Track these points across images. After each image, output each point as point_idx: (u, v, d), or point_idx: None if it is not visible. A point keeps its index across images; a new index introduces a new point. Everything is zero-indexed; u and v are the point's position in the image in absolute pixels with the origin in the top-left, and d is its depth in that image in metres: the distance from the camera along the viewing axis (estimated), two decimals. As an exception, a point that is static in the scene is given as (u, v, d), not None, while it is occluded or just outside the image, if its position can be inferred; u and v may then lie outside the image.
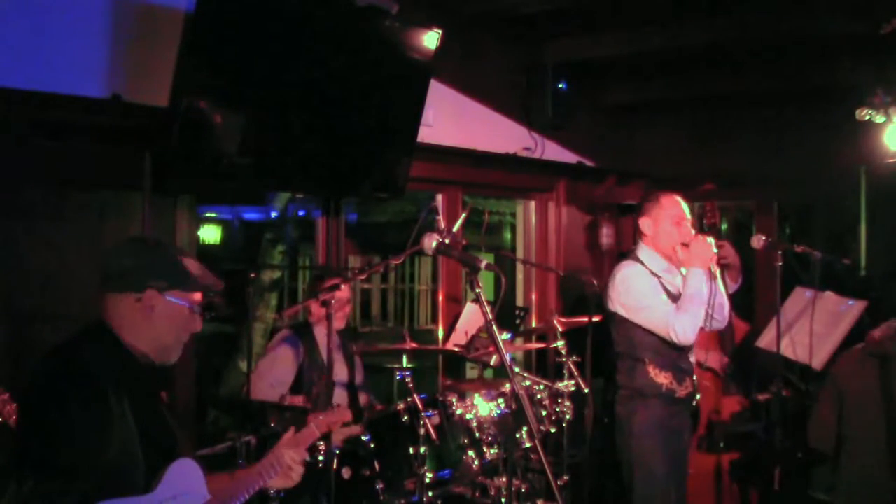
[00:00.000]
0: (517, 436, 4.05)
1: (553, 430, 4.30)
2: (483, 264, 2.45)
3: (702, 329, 3.95)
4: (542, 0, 5.00)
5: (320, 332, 4.24)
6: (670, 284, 4.01)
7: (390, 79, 4.41)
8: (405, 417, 3.82)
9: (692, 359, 4.08)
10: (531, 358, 6.05)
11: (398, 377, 4.04)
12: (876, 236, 5.77)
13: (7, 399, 2.71)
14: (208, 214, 11.41)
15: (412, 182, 4.77)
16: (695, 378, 4.09)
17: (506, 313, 5.41)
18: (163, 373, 2.44)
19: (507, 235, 10.32)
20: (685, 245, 3.94)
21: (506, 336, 4.45)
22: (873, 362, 3.74)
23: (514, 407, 3.94)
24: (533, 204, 6.26)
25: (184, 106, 3.61)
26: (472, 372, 5.75)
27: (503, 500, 3.92)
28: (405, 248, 3.45)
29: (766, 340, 4.72)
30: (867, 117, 4.60)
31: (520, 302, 6.19)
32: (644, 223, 4.05)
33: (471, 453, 4.00)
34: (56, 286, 3.59)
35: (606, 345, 4.20)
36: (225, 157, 3.86)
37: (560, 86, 5.84)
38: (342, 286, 3.75)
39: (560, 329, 4.46)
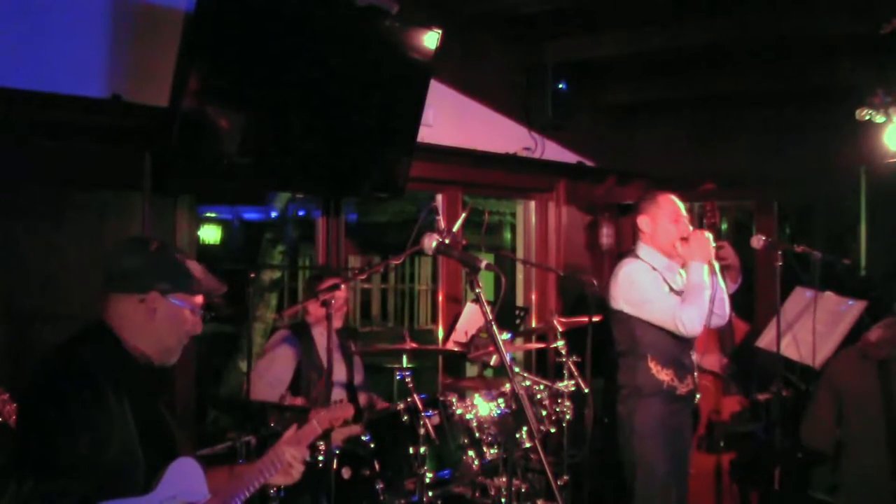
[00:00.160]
0: (517, 436, 4.04)
1: (553, 430, 4.30)
2: (483, 264, 2.45)
3: (704, 336, 3.97)
4: (542, 0, 5.00)
5: (318, 332, 4.24)
6: (671, 281, 4.03)
7: (390, 79, 4.41)
8: (405, 417, 3.82)
9: (693, 356, 4.10)
10: (531, 358, 6.05)
11: (398, 377, 4.04)
12: (876, 236, 5.76)
13: (7, 399, 2.71)
14: (208, 214, 11.41)
15: (412, 182, 4.77)
16: (696, 375, 4.10)
17: (506, 313, 5.41)
18: (163, 373, 2.44)
19: (507, 235, 10.32)
20: (685, 240, 4.01)
21: (506, 336, 4.45)
22: (871, 363, 3.74)
23: (514, 407, 3.94)
24: (533, 204, 6.26)
25: (183, 106, 3.61)
26: (471, 371, 5.75)
27: (503, 500, 3.92)
28: (405, 248, 3.45)
29: (766, 340, 4.72)
30: (867, 117, 4.60)
31: (520, 302, 6.19)
32: (642, 221, 4.10)
33: (471, 453, 4.00)
34: (56, 286, 3.59)
35: (606, 345, 4.21)
36: (225, 157, 3.86)
37: (560, 86, 5.83)
38: (341, 286, 3.75)
39: (560, 329, 4.46)
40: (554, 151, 6.14)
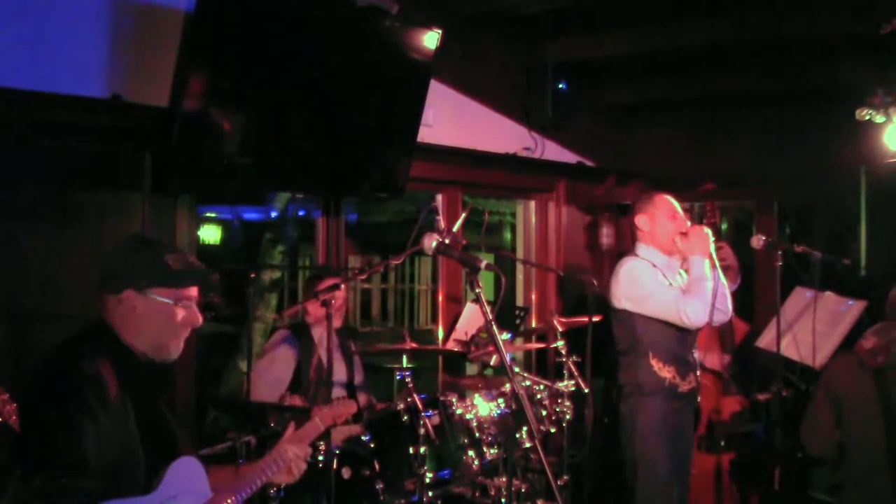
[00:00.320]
0: (517, 436, 4.05)
1: (553, 430, 4.30)
2: (483, 264, 2.45)
3: (705, 332, 3.98)
4: (542, 0, 5.00)
5: (318, 332, 4.24)
6: (671, 278, 4.05)
7: (390, 79, 4.41)
8: (405, 417, 3.82)
9: (696, 354, 4.10)
10: (531, 358, 6.05)
11: (398, 377, 4.04)
12: (876, 236, 5.77)
13: (7, 399, 2.71)
14: (208, 214, 11.41)
15: (412, 182, 4.77)
16: (698, 373, 4.10)
17: (506, 313, 5.42)
18: (164, 372, 2.44)
19: (507, 235, 10.32)
20: (684, 234, 4.03)
21: (506, 336, 4.45)
22: (868, 370, 3.72)
23: (514, 407, 3.94)
24: (533, 204, 6.26)
25: (184, 106, 3.61)
26: (471, 371, 5.75)
27: (503, 500, 3.92)
28: (405, 248, 3.45)
29: (766, 340, 4.72)
30: (867, 117, 4.60)
31: (520, 302, 6.19)
32: (640, 220, 4.12)
33: (471, 453, 4.00)
34: (56, 286, 3.59)
35: (606, 345, 4.21)
36: (225, 157, 3.86)
37: (560, 86, 5.84)
38: (341, 286, 3.75)
39: (560, 329, 4.46)
40: (554, 151, 6.14)
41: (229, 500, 2.42)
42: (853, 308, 4.50)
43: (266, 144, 4.02)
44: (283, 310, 8.71)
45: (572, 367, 4.40)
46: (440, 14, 4.87)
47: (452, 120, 5.36)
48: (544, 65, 5.80)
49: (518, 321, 5.49)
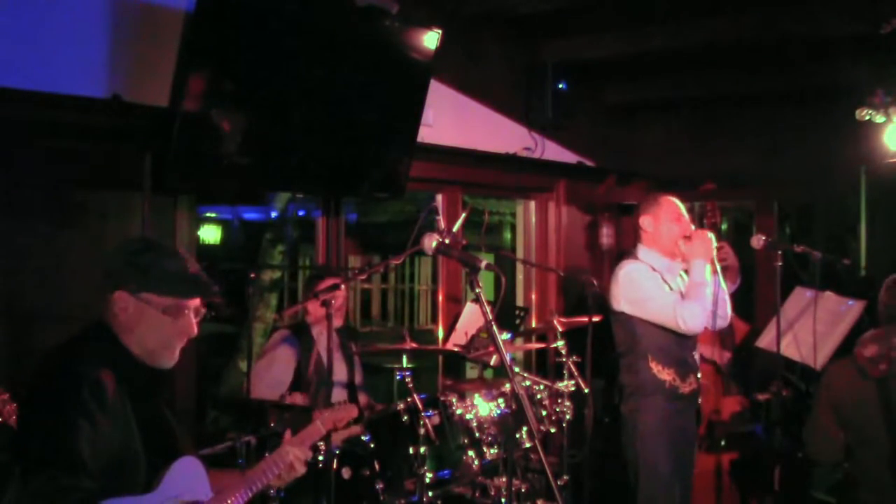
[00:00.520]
0: (517, 436, 4.04)
1: (553, 430, 4.30)
2: (483, 264, 2.45)
3: (705, 329, 3.97)
4: (542, 0, 5.00)
5: (318, 332, 4.24)
6: (671, 282, 4.03)
7: (390, 79, 4.41)
8: (405, 417, 3.82)
9: (696, 355, 4.10)
10: (531, 358, 6.05)
11: (398, 377, 4.04)
12: (876, 236, 5.77)
13: (7, 399, 2.71)
14: (208, 214, 11.42)
15: (412, 182, 4.77)
16: (699, 375, 4.10)
17: (506, 313, 5.41)
18: (163, 372, 2.43)
19: (507, 235, 10.32)
20: (687, 238, 4.00)
21: (506, 336, 4.45)
22: (870, 380, 3.69)
23: (514, 407, 3.94)
24: (533, 204, 6.26)
25: (184, 106, 3.61)
26: (472, 372, 5.75)
27: (503, 500, 3.92)
28: (405, 248, 3.45)
29: (766, 340, 4.72)
30: (867, 117, 4.60)
31: (520, 302, 6.19)
32: (644, 221, 4.09)
33: (471, 453, 4.00)
34: (56, 286, 3.59)
35: (607, 345, 4.21)
36: (225, 157, 3.86)
37: (560, 86, 5.84)
38: (341, 286, 3.75)
39: (560, 329, 4.46)
40: (554, 151, 6.14)
41: (230, 501, 2.42)
42: (853, 308, 4.50)
43: (266, 144, 4.02)
44: (283, 310, 8.71)
45: (572, 367, 4.39)
46: (440, 14, 4.87)
47: (452, 120, 5.36)
48: (544, 65, 5.81)
49: (518, 321, 5.49)
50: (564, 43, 5.74)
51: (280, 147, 4.08)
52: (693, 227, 4.11)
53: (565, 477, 4.33)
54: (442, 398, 4.06)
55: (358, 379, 4.46)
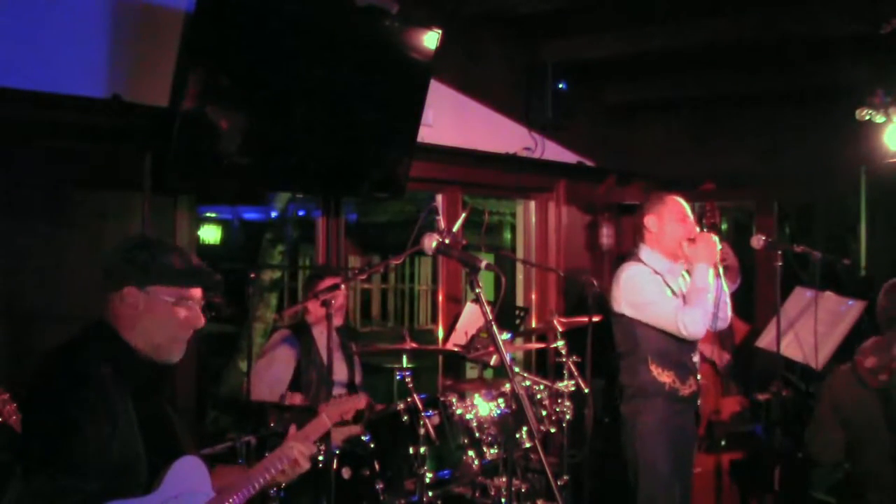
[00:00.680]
0: (517, 436, 4.04)
1: (553, 430, 4.30)
2: (483, 264, 2.45)
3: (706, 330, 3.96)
4: (542, 0, 5.00)
5: (318, 332, 4.24)
6: (673, 284, 4.01)
7: (390, 79, 4.41)
8: (405, 417, 3.82)
9: (695, 358, 4.08)
10: (531, 358, 6.05)
11: (398, 377, 4.04)
12: (876, 236, 5.77)
13: (7, 399, 2.71)
14: (208, 214, 11.43)
15: (412, 182, 4.77)
16: (699, 377, 4.09)
17: (506, 313, 5.42)
18: (165, 371, 2.44)
19: (507, 235, 10.32)
20: (691, 241, 3.97)
21: (506, 336, 4.45)
22: (871, 390, 3.69)
23: (514, 407, 3.94)
24: (533, 204, 6.26)
25: (184, 106, 3.61)
26: (472, 372, 5.76)
27: (503, 500, 3.92)
28: (405, 248, 3.45)
29: (766, 340, 4.72)
30: (867, 117, 4.60)
31: (520, 302, 6.19)
32: (649, 221, 4.05)
33: (471, 453, 4.00)
34: (56, 286, 3.59)
35: (607, 345, 4.20)
36: (225, 157, 3.86)
37: (560, 86, 5.84)
38: (341, 286, 3.75)
39: (560, 329, 4.46)
40: (554, 151, 6.14)
41: (231, 500, 2.42)
42: (853, 308, 4.50)
43: (266, 144, 4.02)
44: (283, 310, 8.72)
45: (572, 367, 4.39)
46: (440, 14, 4.87)
47: (452, 120, 5.36)
48: (544, 65, 5.81)
49: (518, 321, 5.49)
50: (564, 43, 5.74)
51: (280, 147, 4.08)
52: (698, 228, 4.08)
53: (565, 477, 4.33)
54: (442, 398, 4.06)
55: (358, 379, 4.47)
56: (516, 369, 4.69)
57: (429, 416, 3.82)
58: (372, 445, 3.71)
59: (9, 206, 3.48)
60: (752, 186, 6.17)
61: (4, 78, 3.41)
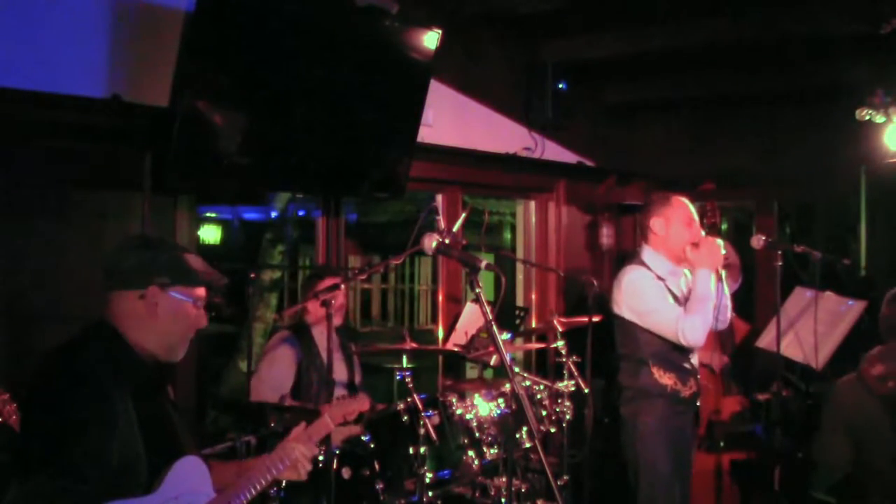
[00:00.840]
0: (517, 436, 4.04)
1: (553, 430, 4.30)
2: (483, 264, 2.44)
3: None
4: (542, 0, 5.00)
5: (318, 332, 4.24)
6: (675, 287, 4.00)
7: (390, 79, 4.41)
8: (405, 417, 3.81)
9: (695, 360, 4.08)
10: (531, 358, 6.05)
11: (398, 377, 4.04)
12: (876, 236, 5.77)
13: (7, 399, 2.71)
14: (208, 214, 11.43)
15: (412, 182, 4.77)
16: (699, 378, 4.08)
17: (506, 313, 5.42)
18: (166, 371, 2.44)
19: (507, 235, 10.33)
20: (695, 245, 3.93)
21: (506, 336, 4.45)
22: (877, 398, 3.68)
23: (514, 407, 3.94)
24: (533, 204, 6.26)
25: (184, 106, 3.61)
26: (472, 372, 5.76)
27: (503, 500, 3.92)
28: (405, 248, 3.45)
29: (766, 340, 4.72)
30: (867, 117, 4.60)
31: (520, 302, 6.19)
32: (655, 223, 3.99)
33: (471, 453, 4.00)
34: (56, 286, 3.59)
35: (607, 345, 4.20)
36: (225, 157, 3.86)
37: (560, 86, 5.84)
38: (341, 286, 3.75)
39: (560, 329, 4.46)
40: (554, 151, 6.14)
41: (232, 501, 2.42)
42: (853, 308, 4.50)
43: (266, 144, 4.02)
44: (283, 310, 8.72)
45: (572, 367, 4.39)
46: (440, 14, 4.87)
47: (452, 120, 5.36)
48: (544, 65, 5.81)
49: (518, 321, 5.49)
50: (564, 43, 5.74)
51: (280, 147, 4.08)
52: (703, 232, 4.04)
53: (565, 477, 4.33)
54: (442, 398, 4.05)
55: (358, 379, 4.47)
56: (516, 369, 4.69)
57: (429, 416, 3.82)
58: (372, 445, 3.71)
59: (9, 206, 3.48)
60: (752, 186, 6.17)
61: (4, 78, 3.41)
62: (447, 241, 2.72)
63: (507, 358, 2.47)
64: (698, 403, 4.13)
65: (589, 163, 6.47)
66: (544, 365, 5.64)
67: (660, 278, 3.96)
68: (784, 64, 5.58)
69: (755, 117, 6.24)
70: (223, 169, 3.88)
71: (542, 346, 5.17)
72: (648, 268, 3.98)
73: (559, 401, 4.31)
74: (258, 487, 2.50)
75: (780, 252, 4.12)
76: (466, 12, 5.20)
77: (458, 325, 5.10)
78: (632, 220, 6.56)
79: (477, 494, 4.04)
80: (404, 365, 4.01)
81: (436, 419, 3.91)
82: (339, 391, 4.21)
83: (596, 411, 4.66)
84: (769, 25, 4.96)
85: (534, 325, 5.95)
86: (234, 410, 6.90)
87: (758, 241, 4.15)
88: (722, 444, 5.01)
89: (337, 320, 4.19)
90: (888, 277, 5.53)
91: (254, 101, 3.90)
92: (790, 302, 4.71)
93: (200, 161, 3.77)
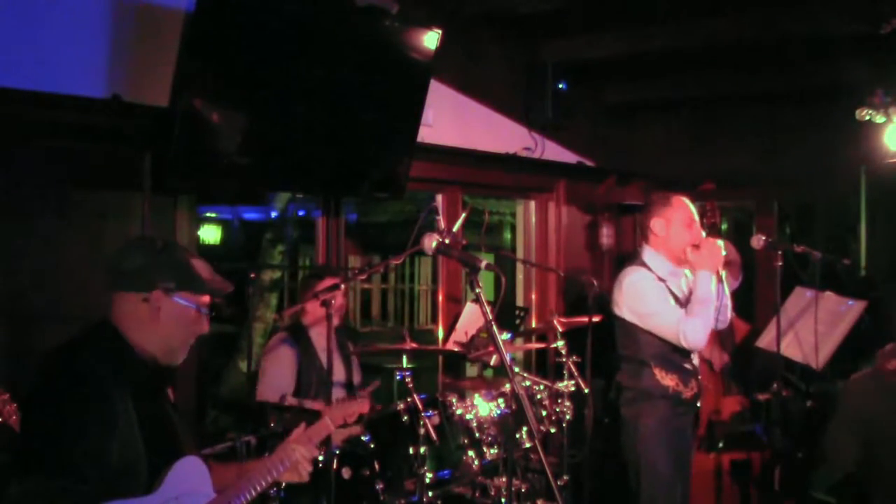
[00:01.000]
0: (517, 436, 4.04)
1: (553, 430, 4.29)
2: (483, 264, 2.44)
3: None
4: (542, 0, 5.00)
5: (315, 333, 4.24)
6: (676, 287, 3.99)
7: (390, 79, 4.41)
8: (405, 417, 3.81)
9: (696, 360, 4.08)
10: (531, 358, 6.05)
11: (398, 377, 4.04)
12: (876, 236, 5.77)
13: (7, 399, 2.71)
14: (208, 214, 11.42)
15: (412, 182, 4.77)
16: (700, 378, 4.08)
17: (506, 313, 5.42)
18: (167, 371, 2.44)
19: (507, 235, 10.33)
20: (696, 247, 3.92)
21: (506, 336, 4.45)
22: (890, 391, 3.68)
23: (514, 407, 3.94)
24: (533, 204, 6.27)
25: (184, 106, 3.61)
26: (471, 372, 5.76)
27: (503, 500, 3.92)
28: (405, 248, 3.44)
29: (766, 340, 4.72)
30: (867, 117, 4.61)
31: (520, 302, 6.19)
32: (656, 224, 3.98)
33: (471, 453, 4.00)
34: (56, 286, 3.59)
35: (607, 345, 4.20)
36: (225, 157, 3.86)
37: (560, 86, 5.84)
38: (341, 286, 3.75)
39: (560, 329, 4.46)
40: (554, 151, 6.14)
41: (232, 501, 2.42)
42: (853, 308, 4.50)
43: (266, 144, 4.02)
44: (283, 310, 8.71)
45: (572, 367, 4.39)
46: (440, 14, 4.87)
47: (452, 120, 5.36)
48: (544, 65, 5.81)
49: (518, 321, 5.49)
50: (564, 43, 5.74)
51: (280, 147, 4.08)
52: (704, 233, 4.03)
53: (565, 477, 4.33)
54: (442, 398, 4.05)
55: (357, 379, 4.47)
56: (516, 369, 4.69)
57: (429, 416, 3.82)
58: (372, 445, 3.71)
59: (9, 206, 3.48)
60: (752, 186, 6.17)
61: (4, 78, 3.41)
62: (447, 241, 2.72)
63: (507, 358, 2.47)
64: (699, 404, 4.13)
65: (589, 163, 6.47)
66: (544, 365, 5.64)
67: (661, 279, 3.95)
68: (784, 64, 5.58)
69: (755, 117, 6.25)
70: (223, 169, 3.88)
71: (542, 346, 5.18)
72: (649, 268, 3.97)
73: (559, 401, 4.31)
74: (258, 488, 2.50)
75: (780, 252, 4.11)
76: (466, 12, 5.20)
77: (458, 325, 5.09)
78: (632, 220, 6.56)
79: (477, 494, 4.04)
80: (404, 365, 4.01)
81: (436, 419, 3.91)
82: (337, 391, 4.21)
83: (596, 411, 4.65)
84: (769, 25, 4.96)
85: (534, 325, 5.95)
86: (234, 410, 6.91)
87: (758, 241, 4.14)
88: (722, 444, 5.01)
89: (335, 321, 4.19)
90: (888, 277, 5.53)
91: (254, 101, 3.90)
92: (790, 302, 4.71)
93: (200, 161, 3.77)
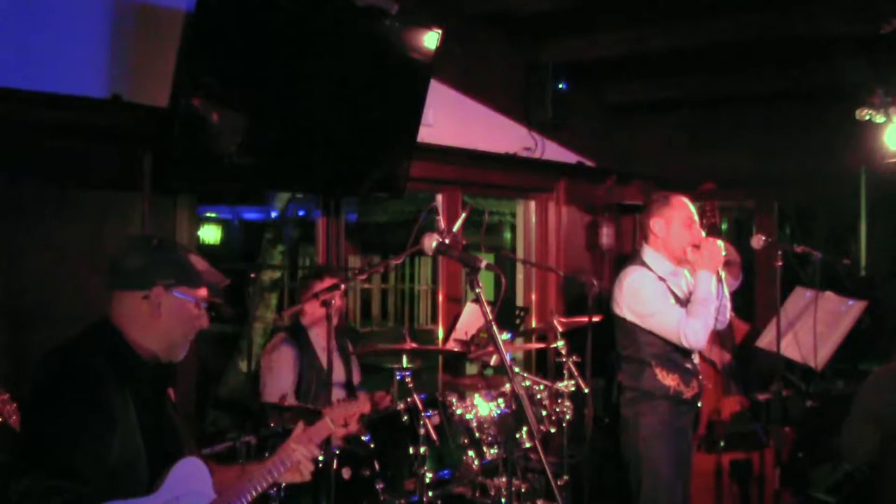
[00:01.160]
0: (517, 436, 4.04)
1: (553, 430, 4.29)
2: (483, 264, 2.44)
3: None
4: (542, 0, 5.01)
5: (314, 333, 4.24)
6: (676, 287, 3.99)
7: (390, 78, 4.41)
8: (405, 417, 3.81)
9: (696, 360, 4.08)
10: (531, 358, 6.05)
11: (398, 377, 4.04)
12: (876, 236, 5.77)
13: (7, 399, 2.71)
14: (208, 214, 11.44)
15: (412, 182, 4.77)
16: (700, 378, 4.08)
17: (506, 313, 5.42)
18: (168, 370, 2.44)
19: (507, 235, 10.33)
20: (696, 247, 3.92)
21: (506, 336, 4.45)
22: None
23: (514, 407, 3.94)
24: (533, 204, 6.27)
25: (184, 106, 3.61)
26: (471, 371, 5.76)
27: (503, 500, 3.92)
28: (405, 248, 3.44)
29: (766, 340, 4.72)
30: (867, 117, 4.61)
31: (520, 302, 6.19)
32: (656, 224, 3.98)
33: (471, 453, 4.00)
34: (56, 286, 3.59)
35: (607, 345, 4.20)
36: (225, 157, 3.86)
37: (560, 85, 5.84)
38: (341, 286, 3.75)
39: (560, 329, 4.46)
40: (554, 151, 6.14)
41: (233, 502, 2.42)
42: (853, 308, 4.49)
43: (266, 144, 4.02)
44: (284, 310, 8.71)
45: (572, 367, 4.39)
46: (440, 14, 4.87)
47: (452, 120, 5.36)
48: (544, 64, 5.81)
49: (518, 321, 5.49)
50: (564, 43, 5.74)
51: (280, 147, 4.08)
52: (703, 233, 4.03)
53: (565, 477, 4.33)
54: (442, 398, 4.05)
55: (357, 379, 4.47)
56: (516, 369, 4.69)
57: (429, 416, 3.82)
58: (372, 445, 3.71)
59: (9, 206, 3.48)
60: (752, 186, 6.17)
61: (4, 78, 3.41)
62: (447, 241, 2.72)
63: (507, 358, 2.47)
64: (699, 404, 4.13)
65: (589, 163, 6.47)
66: (544, 365, 5.64)
67: (661, 279, 3.95)
68: (784, 64, 5.58)
69: (755, 117, 6.25)
70: (223, 169, 3.88)
71: (542, 346, 5.17)
72: (649, 268, 3.97)
73: (559, 401, 4.31)
74: (259, 489, 2.50)
75: (780, 252, 4.11)
76: (466, 12, 5.20)
77: (459, 325, 5.10)
78: (632, 220, 6.57)
79: (477, 494, 4.04)
80: (404, 365, 4.01)
81: (436, 419, 3.90)
82: (336, 391, 4.21)
83: (596, 411, 4.65)
84: (769, 25, 4.96)
85: (534, 325, 5.95)
86: (234, 410, 6.91)
87: (758, 241, 4.14)
88: (722, 444, 5.01)
89: (334, 320, 4.19)
90: (888, 277, 5.53)
91: (254, 101, 3.90)
92: (790, 302, 4.71)
93: (200, 161, 3.77)
